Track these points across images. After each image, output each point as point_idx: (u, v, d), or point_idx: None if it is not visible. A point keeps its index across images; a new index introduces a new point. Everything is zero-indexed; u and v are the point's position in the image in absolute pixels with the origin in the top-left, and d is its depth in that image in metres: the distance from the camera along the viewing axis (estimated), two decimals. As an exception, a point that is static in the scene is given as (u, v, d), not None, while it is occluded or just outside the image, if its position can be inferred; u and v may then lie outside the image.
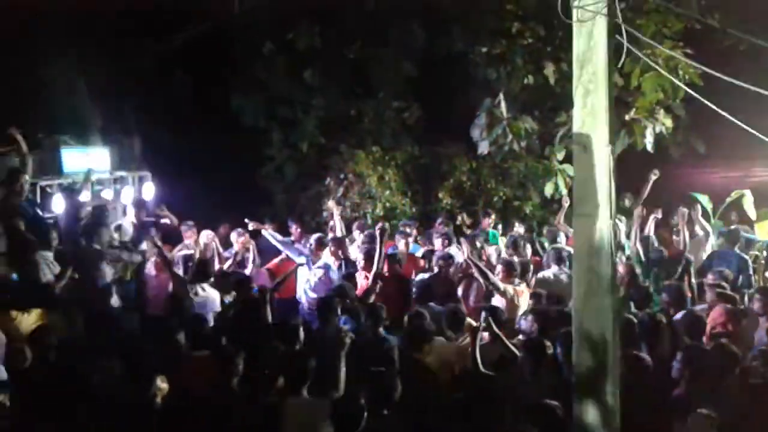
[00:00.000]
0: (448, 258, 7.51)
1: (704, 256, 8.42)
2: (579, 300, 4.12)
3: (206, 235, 8.31)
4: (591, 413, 4.04)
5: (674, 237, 8.47)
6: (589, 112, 4.05)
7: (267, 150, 12.20)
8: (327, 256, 7.86)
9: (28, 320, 5.96)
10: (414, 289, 7.19)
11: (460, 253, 7.67)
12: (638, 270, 7.40)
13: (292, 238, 8.82)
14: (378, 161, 11.71)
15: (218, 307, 6.90)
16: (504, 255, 7.91)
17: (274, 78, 11.89)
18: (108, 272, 7.31)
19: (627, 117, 9.92)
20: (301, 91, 11.93)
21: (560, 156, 10.86)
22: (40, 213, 7.93)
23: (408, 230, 8.82)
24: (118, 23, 10.69)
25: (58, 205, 8.19)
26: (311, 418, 4.49)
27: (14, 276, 6.96)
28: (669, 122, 10.14)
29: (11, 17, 10.13)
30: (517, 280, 6.90)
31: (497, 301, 6.60)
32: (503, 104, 10.45)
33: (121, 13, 10.55)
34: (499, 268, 7.03)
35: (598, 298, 3.99)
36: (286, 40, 11.64)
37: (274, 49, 11.78)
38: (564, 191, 10.77)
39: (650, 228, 8.54)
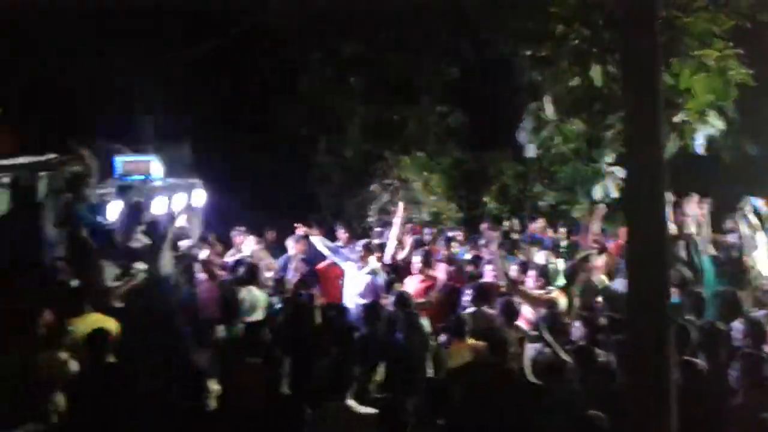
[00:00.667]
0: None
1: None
2: (632, 306, 4.05)
3: (253, 240, 8.46)
4: (645, 422, 3.97)
5: (727, 240, 8.24)
6: (639, 114, 3.98)
7: (313, 156, 12.34)
8: (374, 262, 7.90)
9: (86, 324, 6.14)
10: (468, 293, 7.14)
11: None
12: (690, 275, 7.24)
13: (340, 243, 8.90)
14: (423, 166, 11.74)
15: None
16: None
17: (319, 86, 12.04)
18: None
19: (677, 119, 9.71)
20: (346, 97, 12.04)
21: (609, 159, 10.69)
22: (100, 219, 8.15)
23: (454, 235, 8.83)
24: (171, 32, 10.95)
25: (113, 211, 8.42)
26: (357, 425, 4.52)
27: (74, 282, 7.19)
28: (720, 124, 9.88)
29: (66, 30, 10.49)
30: (551, 287, 6.79)
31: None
32: (550, 107, 10.34)
33: (174, 23, 10.80)
34: (531, 274, 6.97)
35: (651, 304, 3.92)
36: (331, 48, 11.77)
37: (320, 57, 11.92)
38: (614, 194, 10.60)
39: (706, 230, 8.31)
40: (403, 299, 6.38)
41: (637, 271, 4.02)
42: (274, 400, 4.83)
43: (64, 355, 5.20)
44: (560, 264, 8.09)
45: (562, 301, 6.53)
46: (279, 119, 12.02)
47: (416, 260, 7.68)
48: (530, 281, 6.85)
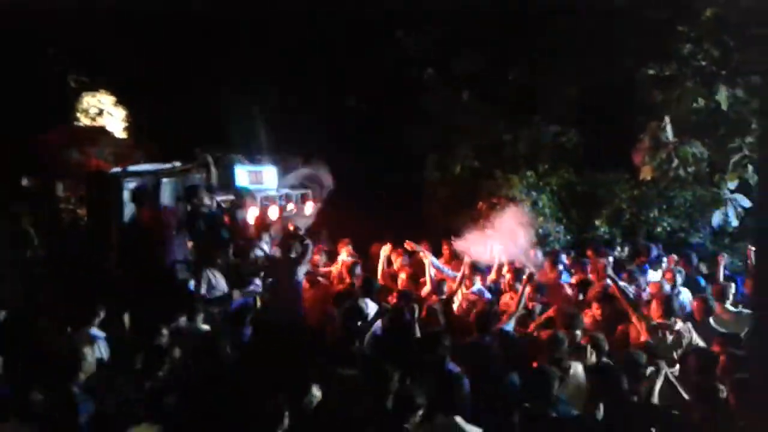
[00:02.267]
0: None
1: None
2: (757, 340, 3.80)
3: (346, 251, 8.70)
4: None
5: None
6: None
7: (422, 172, 12.39)
8: (478, 282, 7.85)
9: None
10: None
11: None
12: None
13: (442, 260, 8.88)
14: (532, 186, 11.53)
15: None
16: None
17: (432, 101, 12.09)
18: None
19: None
20: (457, 113, 12.02)
21: (732, 185, 10.11)
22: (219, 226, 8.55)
23: (561, 259, 8.62)
24: (290, 50, 11.39)
25: (233, 218, 8.83)
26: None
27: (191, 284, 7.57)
28: None
29: (187, 45, 11.14)
30: (674, 319, 6.38)
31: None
32: (669, 128, 9.91)
33: (292, 40, 11.25)
34: (654, 304, 6.61)
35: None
36: (446, 64, 11.82)
37: (434, 73, 12.00)
38: (734, 222, 10.03)
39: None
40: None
41: (764, 302, 3.77)
42: (379, 413, 4.84)
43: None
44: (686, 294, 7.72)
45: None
46: (393, 136, 12.15)
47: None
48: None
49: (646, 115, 10.45)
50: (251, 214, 9.05)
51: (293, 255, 7.61)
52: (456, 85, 11.92)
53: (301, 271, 7.58)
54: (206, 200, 8.20)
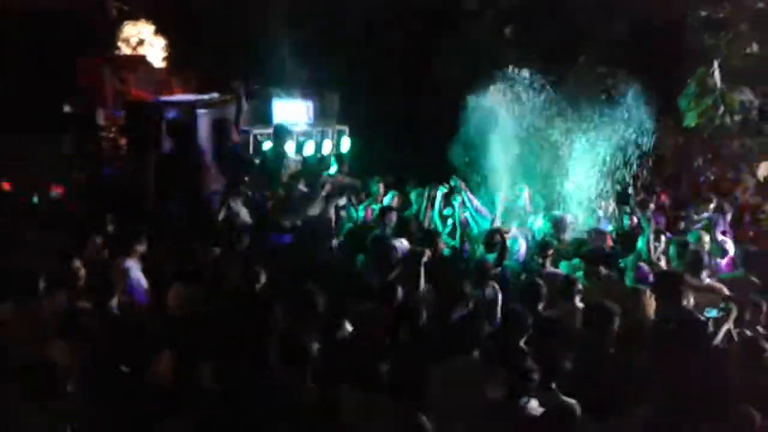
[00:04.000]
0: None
1: None
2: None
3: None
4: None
5: None
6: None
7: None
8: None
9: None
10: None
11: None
12: None
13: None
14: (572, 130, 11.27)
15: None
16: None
17: (474, 36, 11.76)
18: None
19: None
20: (502, 51, 11.68)
21: (782, 135, 9.77)
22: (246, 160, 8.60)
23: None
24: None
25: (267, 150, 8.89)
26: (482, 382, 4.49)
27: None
28: None
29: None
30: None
31: None
32: (717, 74, 9.53)
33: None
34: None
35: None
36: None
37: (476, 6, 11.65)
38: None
39: None
40: None
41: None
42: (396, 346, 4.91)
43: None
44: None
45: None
46: (430, 71, 11.93)
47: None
48: None
49: (695, 59, 10.05)
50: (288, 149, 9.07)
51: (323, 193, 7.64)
52: (500, 19, 11.54)
53: (331, 206, 7.58)
54: (234, 135, 8.24)
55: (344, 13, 11.67)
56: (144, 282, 6.04)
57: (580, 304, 5.60)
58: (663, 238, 6.91)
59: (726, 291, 5.78)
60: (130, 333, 4.94)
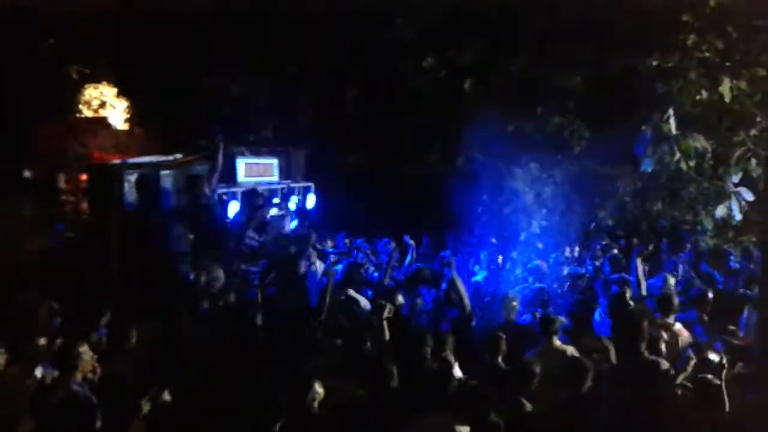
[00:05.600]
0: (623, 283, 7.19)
1: None
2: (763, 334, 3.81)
3: None
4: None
5: None
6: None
7: (425, 164, 12.33)
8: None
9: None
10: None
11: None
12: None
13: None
14: (535, 179, 11.48)
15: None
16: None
17: (434, 93, 12.00)
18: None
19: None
20: (461, 104, 11.92)
21: (736, 178, 10.03)
22: (218, 219, 8.55)
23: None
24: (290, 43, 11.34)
25: (233, 211, 8.82)
26: None
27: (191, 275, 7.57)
28: None
29: (186, 35, 11.10)
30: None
31: None
32: (672, 120, 9.81)
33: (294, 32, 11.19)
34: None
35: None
36: (447, 55, 11.73)
37: (434, 63, 11.90)
38: (738, 216, 9.97)
39: None
40: None
41: None
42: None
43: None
44: None
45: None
46: (394, 127, 12.10)
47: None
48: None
49: (648, 107, 10.36)
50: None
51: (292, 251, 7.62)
52: (457, 74, 11.82)
53: (302, 266, 7.57)
54: (206, 191, 8.19)
55: (307, 71, 11.82)
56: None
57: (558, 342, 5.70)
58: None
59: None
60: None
